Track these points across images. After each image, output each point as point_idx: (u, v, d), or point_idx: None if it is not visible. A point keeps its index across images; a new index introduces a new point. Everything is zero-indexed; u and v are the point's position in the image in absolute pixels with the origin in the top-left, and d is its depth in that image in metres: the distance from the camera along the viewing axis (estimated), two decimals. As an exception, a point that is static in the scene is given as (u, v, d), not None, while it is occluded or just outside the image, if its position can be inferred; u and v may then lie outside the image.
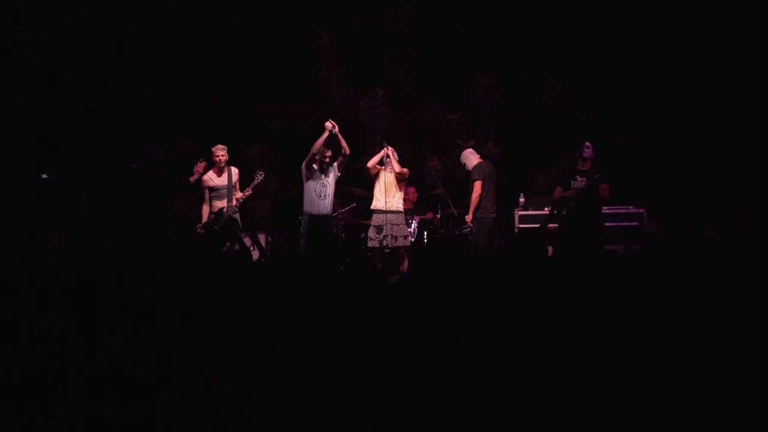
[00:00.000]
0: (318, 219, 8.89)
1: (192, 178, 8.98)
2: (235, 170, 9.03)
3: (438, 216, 10.92)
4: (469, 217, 9.39)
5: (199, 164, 8.95)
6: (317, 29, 12.01)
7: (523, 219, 10.28)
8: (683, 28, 11.05)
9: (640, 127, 11.23)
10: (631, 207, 9.95)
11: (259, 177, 8.97)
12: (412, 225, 10.56)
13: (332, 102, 12.03)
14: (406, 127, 12.15)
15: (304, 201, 8.98)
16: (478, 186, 9.32)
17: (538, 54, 11.70)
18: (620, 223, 9.77)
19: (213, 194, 8.98)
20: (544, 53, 11.65)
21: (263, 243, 10.68)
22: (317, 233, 8.85)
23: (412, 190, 10.92)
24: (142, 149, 9.09)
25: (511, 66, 11.81)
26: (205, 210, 9.01)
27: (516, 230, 10.23)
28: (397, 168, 9.31)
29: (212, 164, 9.01)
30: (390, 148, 9.40)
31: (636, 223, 9.86)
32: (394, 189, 9.35)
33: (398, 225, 9.25)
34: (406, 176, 9.53)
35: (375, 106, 11.95)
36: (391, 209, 9.24)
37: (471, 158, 9.61)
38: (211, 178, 9.00)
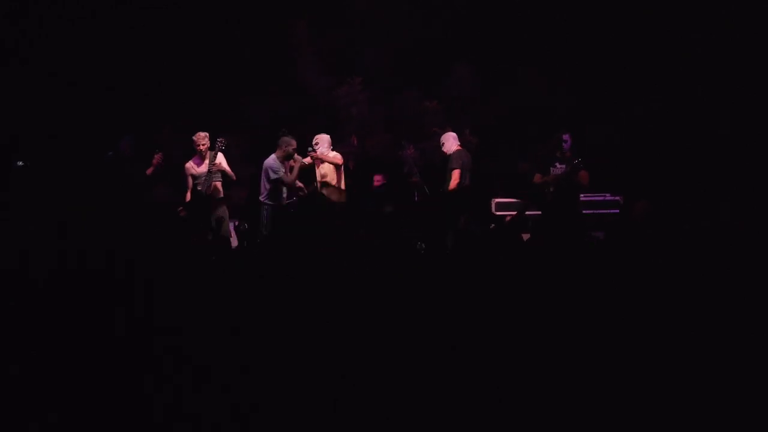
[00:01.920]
0: (280, 209, 9.02)
1: (148, 171, 9.03)
2: (219, 155, 8.96)
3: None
4: None
5: (156, 156, 9.00)
6: (293, 18, 11.93)
7: (500, 206, 10.26)
8: (661, 16, 11.08)
9: (618, 116, 11.23)
10: (607, 195, 9.96)
11: (221, 144, 8.90)
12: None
13: (309, 90, 11.94)
14: (384, 115, 12.08)
15: (267, 192, 8.97)
16: (456, 175, 9.32)
17: (516, 42, 11.65)
18: (598, 211, 9.71)
19: (196, 182, 8.93)
20: (523, 42, 11.62)
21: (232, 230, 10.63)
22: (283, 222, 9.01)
23: (378, 177, 10.99)
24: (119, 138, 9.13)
25: (490, 54, 11.77)
26: (189, 198, 8.96)
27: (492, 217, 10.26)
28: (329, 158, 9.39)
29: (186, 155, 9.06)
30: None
31: (616, 211, 9.82)
32: (331, 178, 9.39)
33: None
34: (339, 162, 9.53)
35: (352, 93, 11.88)
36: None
37: (451, 143, 9.63)
38: (193, 167, 8.96)
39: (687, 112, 10.90)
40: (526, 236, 8.87)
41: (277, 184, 8.88)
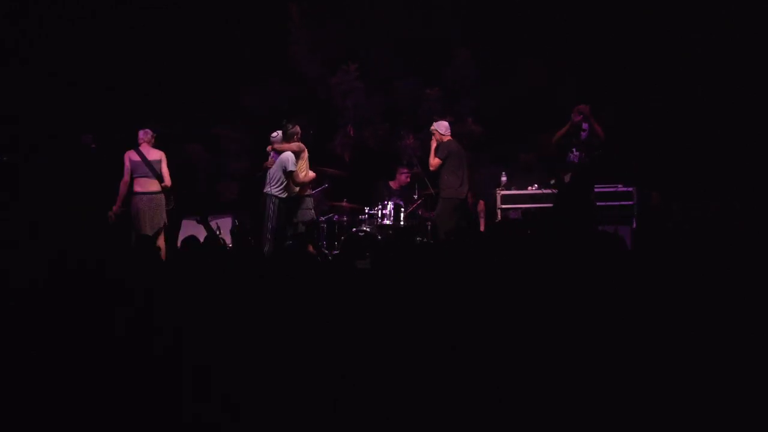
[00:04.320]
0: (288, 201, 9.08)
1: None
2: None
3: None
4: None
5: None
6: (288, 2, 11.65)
7: (506, 199, 10.01)
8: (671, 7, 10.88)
9: (628, 106, 10.93)
10: (620, 186, 9.68)
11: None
12: (388, 206, 10.16)
13: (303, 78, 11.55)
14: (381, 104, 11.63)
15: (280, 185, 8.99)
16: (433, 161, 9.32)
17: (521, 29, 11.29)
18: (610, 203, 9.50)
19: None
20: (527, 29, 11.30)
21: (216, 227, 10.44)
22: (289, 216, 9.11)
23: (403, 170, 10.86)
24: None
25: (493, 41, 11.41)
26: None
27: (498, 210, 10.03)
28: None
29: None
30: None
31: (631, 202, 9.59)
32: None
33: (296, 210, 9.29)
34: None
35: (347, 81, 11.40)
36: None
37: (443, 132, 9.46)
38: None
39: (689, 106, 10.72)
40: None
41: (291, 177, 8.93)
